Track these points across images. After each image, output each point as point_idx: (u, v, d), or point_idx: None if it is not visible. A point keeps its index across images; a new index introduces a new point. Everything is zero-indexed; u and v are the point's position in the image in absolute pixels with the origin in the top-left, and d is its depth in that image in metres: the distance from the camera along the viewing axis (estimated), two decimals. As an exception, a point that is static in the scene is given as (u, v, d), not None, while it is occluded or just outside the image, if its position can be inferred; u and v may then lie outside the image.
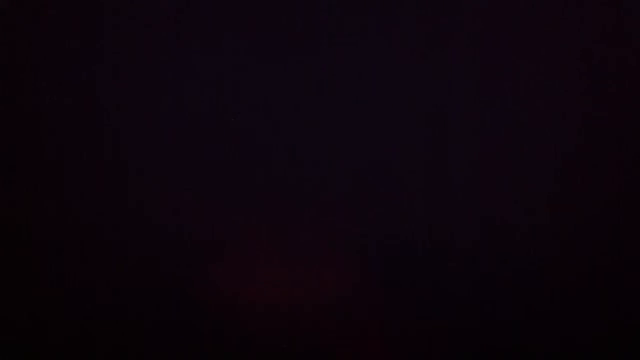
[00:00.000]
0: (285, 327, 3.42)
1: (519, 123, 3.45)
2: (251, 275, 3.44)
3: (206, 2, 3.47)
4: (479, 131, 3.45)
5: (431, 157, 3.44)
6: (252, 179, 3.46)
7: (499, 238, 3.42)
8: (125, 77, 3.47)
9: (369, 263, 3.44)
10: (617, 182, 3.43)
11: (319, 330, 3.43)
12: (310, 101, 3.47)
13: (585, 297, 3.41)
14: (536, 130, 3.44)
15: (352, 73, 3.46)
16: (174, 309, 3.42)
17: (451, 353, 3.41)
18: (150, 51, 3.47)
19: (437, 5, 3.45)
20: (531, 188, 3.43)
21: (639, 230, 3.40)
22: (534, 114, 3.45)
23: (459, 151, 3.44)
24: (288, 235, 3.44)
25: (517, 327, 3.41)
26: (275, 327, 3.42)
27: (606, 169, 3.43)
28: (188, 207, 3.45)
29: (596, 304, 3.40)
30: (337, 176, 3.46)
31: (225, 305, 3.42)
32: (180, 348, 3.43)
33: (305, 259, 3.44)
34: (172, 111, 3.47)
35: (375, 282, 3.43)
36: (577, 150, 3.43)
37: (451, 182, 3.44)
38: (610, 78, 3.44)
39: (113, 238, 3.43)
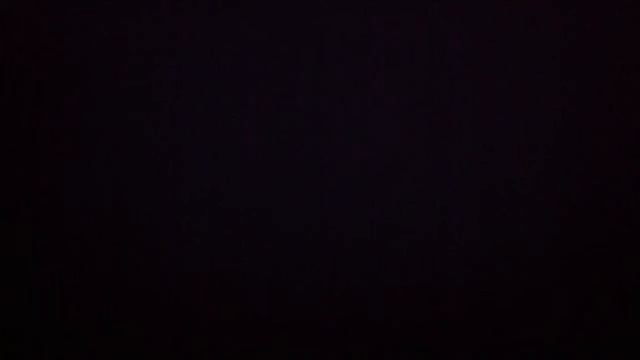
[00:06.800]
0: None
1: (516, 122, 3.47)
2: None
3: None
4: (476, 131, 3.47)
5: (430, 156, 3.47)
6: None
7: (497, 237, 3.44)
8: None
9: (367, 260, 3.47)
10: (615, 181, 3.45)
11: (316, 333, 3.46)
12: (309, 101, 3.49)
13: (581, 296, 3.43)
14: (534, 130, 3.47)
15: (353, 74, 3.49)
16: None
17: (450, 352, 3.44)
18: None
19: (436, 8, 3.48)
20: (527, 185, 3.45)
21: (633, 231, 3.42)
22: (531, 115, 3.47)
23: (456, 150, 3.46)
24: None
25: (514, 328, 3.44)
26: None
27: (605, 170, 3.45)
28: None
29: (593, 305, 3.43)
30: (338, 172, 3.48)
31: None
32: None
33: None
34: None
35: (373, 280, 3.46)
36: (572, 149, 3.46)
37: (448, 181, 3.46)
38: (608, 79, 3.46)
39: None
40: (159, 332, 3.46)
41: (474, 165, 3.46)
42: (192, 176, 3.48)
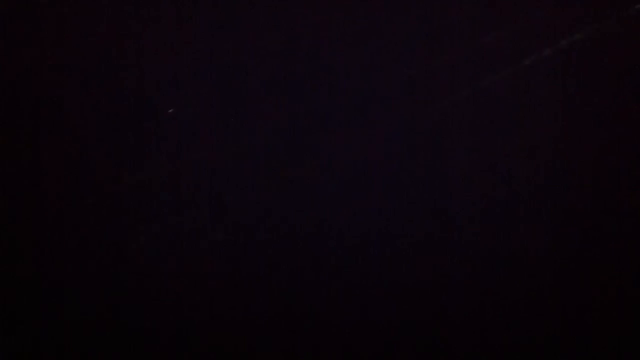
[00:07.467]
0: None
1: (516, 123, 3.48)
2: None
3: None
4: (476, 132, 3.48)
5: (429, 156, 3.48)
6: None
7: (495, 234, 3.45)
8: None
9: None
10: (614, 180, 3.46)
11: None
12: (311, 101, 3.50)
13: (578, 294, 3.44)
14: (534, 130, 3.47)
15: (354, 75, 3.50)
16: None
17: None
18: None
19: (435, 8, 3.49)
20: (527, 184, 3.46)
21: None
22: (532, 115, 3.48)
23: (456, 150, 3.47)
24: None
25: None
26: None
27: (605, 170, 3.46)
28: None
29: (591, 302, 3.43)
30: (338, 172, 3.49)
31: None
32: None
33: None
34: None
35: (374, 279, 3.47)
36: (571, 149, 3.47)
37: (449, 179, 3.47)
38: (608, 79, 3.47)
39: None
40: (159, 332, 3.47)
41: (474, 165, 3.47)
42: (192, 176, 3.49)
